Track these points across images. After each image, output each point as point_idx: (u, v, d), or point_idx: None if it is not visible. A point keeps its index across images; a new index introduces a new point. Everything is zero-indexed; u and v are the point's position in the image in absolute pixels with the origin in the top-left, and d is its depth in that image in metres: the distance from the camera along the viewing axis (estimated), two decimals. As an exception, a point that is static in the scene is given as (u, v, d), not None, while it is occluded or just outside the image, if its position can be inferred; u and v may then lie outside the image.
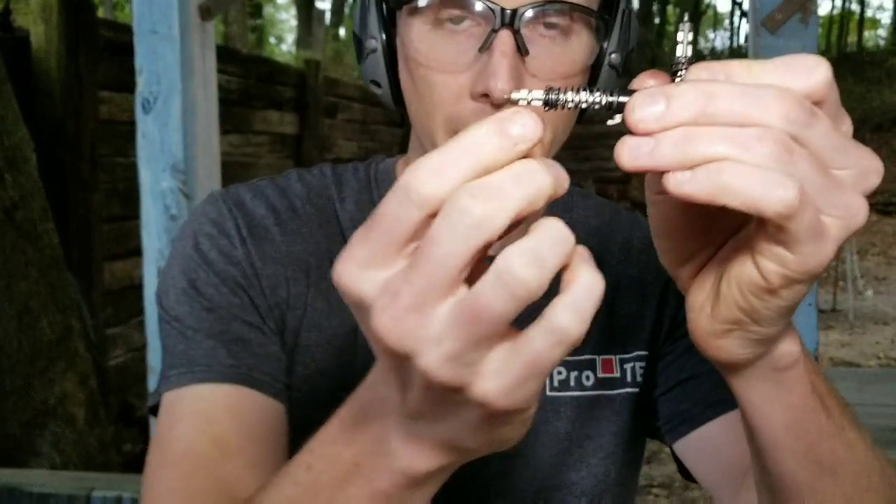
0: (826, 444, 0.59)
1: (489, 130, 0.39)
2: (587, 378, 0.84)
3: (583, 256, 0.41)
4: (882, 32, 30.86)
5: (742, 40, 25.69)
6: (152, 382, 1.75)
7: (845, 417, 0.61)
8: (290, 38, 30.81)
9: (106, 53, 4.37)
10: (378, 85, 0.80)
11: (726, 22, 32.78)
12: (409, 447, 0.46)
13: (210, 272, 0.77)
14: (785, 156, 0.40)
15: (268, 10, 27.08)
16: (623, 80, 0.80)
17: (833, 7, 28.14)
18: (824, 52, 22.07)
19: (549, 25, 0.70)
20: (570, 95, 0.45)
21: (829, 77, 0.42)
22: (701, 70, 0.43)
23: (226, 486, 0.69)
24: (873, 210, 13.87)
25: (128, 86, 4.38)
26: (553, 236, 0.38)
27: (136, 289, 4.78)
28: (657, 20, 25.70)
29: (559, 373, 0.83)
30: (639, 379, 0.86)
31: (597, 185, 10.72)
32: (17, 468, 2.86)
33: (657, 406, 0.87)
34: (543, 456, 0.82)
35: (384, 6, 0.76)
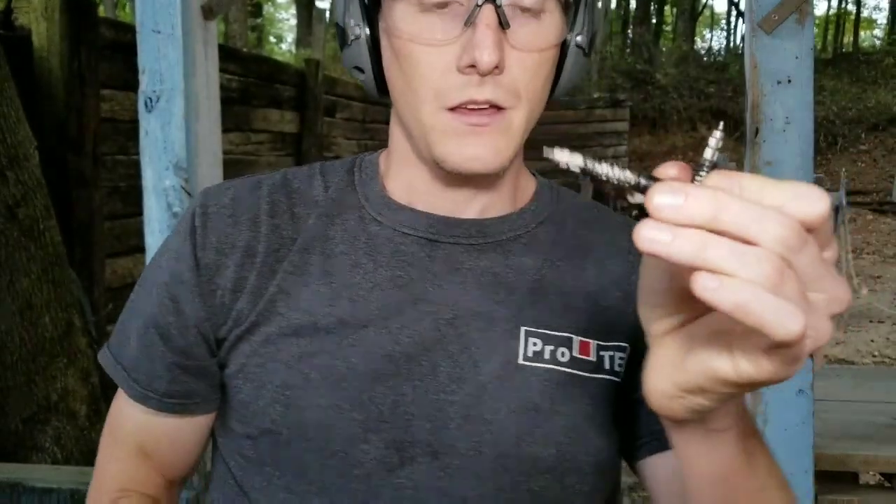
0: (746, 498, 0.64)
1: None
2: (562, 354, 0.84)
3: None
4: (878, 32, 30.85)
5: (738, 40, 25.71)
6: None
7: (770, 477, 0.67)
8: (290, 37, 30.76)
9: (107, 52, 4.38)
10: (361, 71, 0.84)
11: (723, 22, 32.79)
12: None
13: (162, 285, 0.86)
14: (778, 279, 0.43)
15: (268, 9, 27.04)
16: (587, 61, 0.86)
17: (829, 7, 28.15)
18: (820, 52, 22.10)
19: (524, 10, 0.76)
20: (604, 167, 0.49)
21: (828, 210, 0.45)
22: (720, 178, 0.47)
23: (143, 479, 0.92)
24: (868, 209, 13.90)
25: (129, 84, 4.41)
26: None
27: (137, 286, 4.80)
28: (654, 20, 25.70)
29: (534, 344, 0.83)
30: (617, 369, 0.86)
31: (595, 183, 10.73)
32: (18, 464, 2.88)
33: (632, 410, 0.87)
34: (506, 423, 0.81)
35: None
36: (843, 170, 9.72)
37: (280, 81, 7.19)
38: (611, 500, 0.92)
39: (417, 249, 0.85)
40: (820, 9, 27.63)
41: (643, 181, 0.48)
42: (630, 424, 0.87)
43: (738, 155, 13.53)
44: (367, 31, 0.81)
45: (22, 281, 3.03)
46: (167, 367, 0.87)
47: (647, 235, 0.44)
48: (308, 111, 7.59)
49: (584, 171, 0.49)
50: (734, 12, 26.98)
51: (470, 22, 0.74)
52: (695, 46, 25.31)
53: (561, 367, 0.83)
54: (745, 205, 0.44)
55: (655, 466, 0.85)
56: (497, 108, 0.76)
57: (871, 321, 7.75)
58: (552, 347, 0.83)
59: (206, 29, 1.85)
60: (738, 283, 0.43)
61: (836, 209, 7.92)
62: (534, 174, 0.96)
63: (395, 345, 0.82)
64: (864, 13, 30.52)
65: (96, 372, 3.37)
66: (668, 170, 0.49)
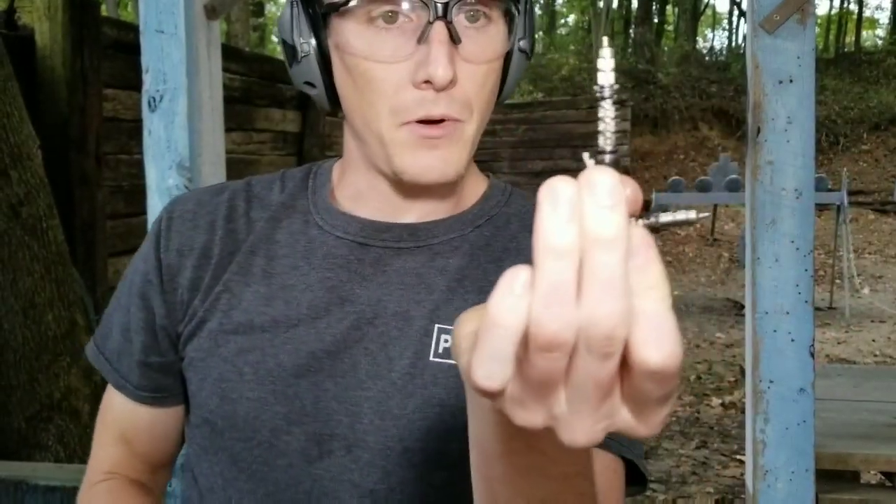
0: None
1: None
2: None
3: None
4: (880, 32, 30.85)
5: (740, 39, 25.69)
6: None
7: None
8: (290, 36, 30.75)
9: (110, 51, 4.39)
10: (313, 86, 0.87)
11: (725, 21, 32.77)
12: None
13: (132, 287, 0.94)
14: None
15: (270, 8, 27.05)
16: (528, 63, 0.89)
17: (831, 6, 28.13)
18: (822, 52, 22.08)
19: (470, 16, 0.78)
20: (667, 216, 0.45)
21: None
22: None
23: (124, 459, 0.98)
24: (870, 209, 13.89)
25: (132, 83, 4.42)
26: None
27: (139, 285, 4.81)
28: (656, 20, 25.68)
29: (445, 341, 0.85)
30: None
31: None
32: (22, 462, 2.89)
33: None
34: (414, 419, 0.84)
35: (312, 11, 0.82)
36: (845, 169, 9.74)
37: (282, 81, 7.20)
38: None
39: (347, 252, 0.89)
40: (822, 8, 27.64)
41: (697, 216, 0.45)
42: None
43: (739, 154, 13.54)
44: (317, 47, 0.83)
45: (25, 280, 3.03)
46: (136, 363, 0.94)
47: None
48: (310, 111, 7.60)
49: (653, 229, 0.43)
50: (736, 12, 26.96)
51: (423, 39, 0.76)
52: (696, 46, 25.30)
53: None
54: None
55: None
56: (451, 120, 0.79)
57: (872, 321, 7.75)
58: None
59: (209, 29, 1.86)
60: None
61: (838, 209, 7.92)
62: (488, 176, 0.98)
63: (319, 343, 0.86)
64: (866, 13, 30.49)
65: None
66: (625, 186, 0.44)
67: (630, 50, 20.96)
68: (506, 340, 0.38)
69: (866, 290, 9.16)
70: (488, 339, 0.39)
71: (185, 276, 0.90)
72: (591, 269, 0.37)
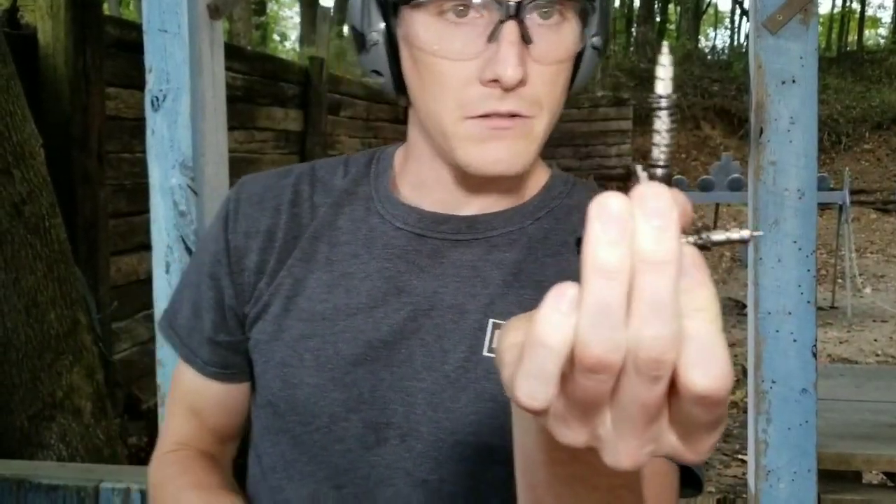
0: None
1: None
2: None
3: None
4: (883, 31, 30.79)
5: (742, 38, 25.65)
6: (160, 376, 1.78)
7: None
8: (294, 35, 30.77)
9: (113, 50, 4.39)
10: (380, 74, 0.87)
11: (727, 20, 32.72)
12: None
13: (203, 260, 0.96)
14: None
15: (272, 7, 27.03)
16: (601, 58, 0.89)
17: (834, 5, 28.09)
18: (824, 51, 22.04)
19: (544, 13, 0.77)
20: (716, 234, 0.42)
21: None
22: None
23: (193, 432, 1.01)
24: (872, 208, 13.88)
25: (134, 82, 4.42)
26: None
27: (143, 283, 4.82)
28: (658, 19, 25.67)
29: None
30: None
31: (598, 182, 10.75)
32: (24, 461, 2.89)
33: None
34: (466, 412, 0.85)
35: (388, 2, 0.82)
36: (847, 169, 9.72)
37: (284, 80, 7.20)
38: None
39: (405, 243, 0.90)
40: (824, 7, 27.59)
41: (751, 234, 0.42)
42: None
43: (741, 154, 13.52)
44: (385, 35, 0.83)
45: (27, 278, 3.04)
46: (206, 340, 0.97)
47: None
48: (312, 109, 7.59)
49: (701, 247, 0.41)
50: (738, 10, 26.93)
51: (494, 37, 0.74)
52: (699, 45, 25.27)
53: None
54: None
55: None
56: (519, 115, 0.78)
57: (874, 320, 7.75)
58: None
59: (212, 28, 1.86)
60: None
61: (840, 208, 7.91)
62: (550, 166, 0.97)
63: (376, 332, 0.87)
64: (869, 12, 30.45)
65: (101, 369, 3.38)
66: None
67: (632, 49, 20.93)
68: (550, 360, 0.37)
69: (868, 290, 9.15)
70: (532, 357, 0.38)
71: (252, 258, 0.92)
72: (640, 291, 0.36)
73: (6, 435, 3.08)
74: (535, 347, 0.38)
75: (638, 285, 0.36)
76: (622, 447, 0.40)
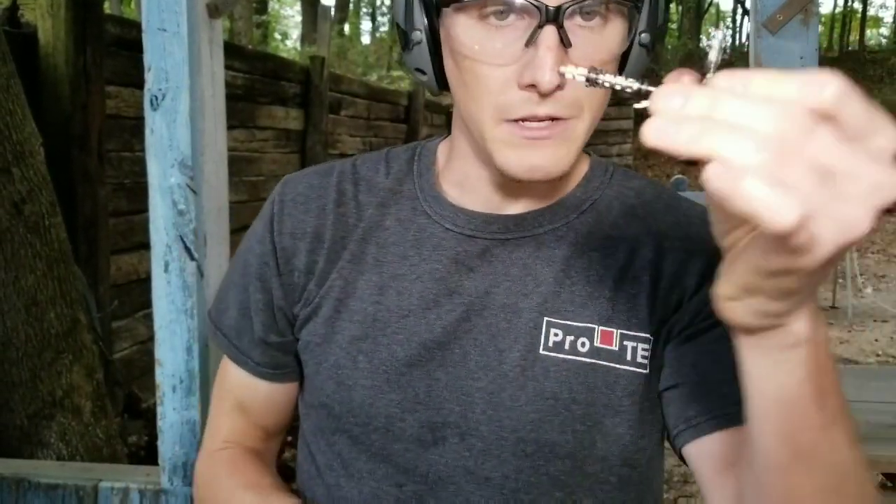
0: (809, 433, 0.60)
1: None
2: (583, 345, 0.87)
3: None
4: (884, 31, 30.79)
5: (744, 38, 25.63)
6: (159, 375, 1.78)
7: (839, 419, 0.62)
8: (295, 34, 30.78)
9: (113, 49, 4.39)
10: (423, 73, 0.86)
11: (728, 20, 32.69)
12: None
13: (249, 261, 0.97)
14: (777, 166, 0.42)
15: (272, 6, 27.04)
16: (650, 55, 0.86)
17: (836, 5, 28.08)
18: (826, 51, 22.03)
19: (586, 15, 0.76)
20: (608, 77, 0.51)
21: (841, 92, 0.44)
22: (727, 77, 0.46)
23: (242, 429, 1.03)
24: (875, 208, 13.86)
25: (134, 81, 4.42)
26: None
27: (142, 282, 4.82)
28: (660, 17, 25.61)
29: (555, 334, 0.87)
30: (641, 360, 0.87)
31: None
32: (24, 459, 2.89)
33: (662, 402, 0.88)
34: (526, 410, 0.86)
35: (431, 2, 0.81)
36: (849, 169, 9.67)
37: (285, 79, 7.19)
38: (651, 495, 0.94)
39: (455, 244, 0.90)
40: (826, 7, 27.59)
41: (648, 88, 0.49)
42: (664, 417, 0.89)
43: (742, 153, 13.54)
44: (428, 34, 0.83)
45: (27, 277, 3.04)
46: (257, 341, 0.98)
47: (655, 130, 0.44)
48: (313, 108, 7.59)
49: (591, 81, 0.51)
50: (740, 10, 26.91)
51: (531, 42, 0.74)
52: (700, 44, 25.23)
53: (580, 357, 0.86)
54: (742, 99, 0.43)
55: (694, 454, 0.85)
56: (558, 118, 0.78)
57: (875, 320, 7.74)
58: (572, 338, 0.87)
59: (211, 27, 1.86)
60: (731, 171, 0.42)
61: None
62: (588, 154, 0.97)
63: (429, 334, 0.88)
64: (871, 11, 30.44)
65: (101, 368, 3.38)
66: (678, 77, 0.50)
67: (633, 48, 20.88)
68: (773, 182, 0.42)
69: (869, 290, 9.15)
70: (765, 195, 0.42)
71: (301, 259, 0.93)
72: (745, 109, 0.43)
73: (6, 433, 3.08)
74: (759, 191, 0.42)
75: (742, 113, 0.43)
76: (850, 208, 0.44)
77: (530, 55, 0.74)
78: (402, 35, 0.86)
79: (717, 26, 32.66)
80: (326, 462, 0.94)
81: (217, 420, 1.05)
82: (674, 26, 28.08)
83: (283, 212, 0.95)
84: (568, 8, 0.73)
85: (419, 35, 0.83)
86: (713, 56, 0.50)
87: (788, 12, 1.54)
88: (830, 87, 0.43)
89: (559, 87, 0.74)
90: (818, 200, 0.43)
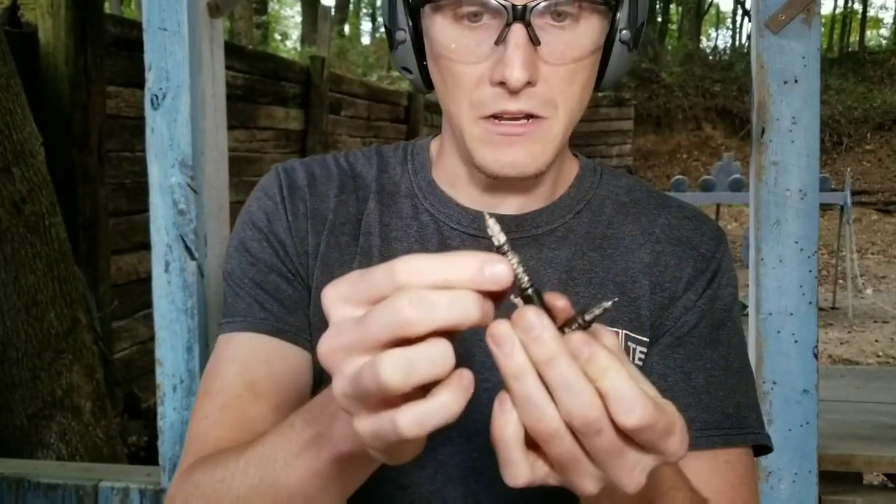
0: None
1: (475, 263, 0.49)
2: None
3: (461, 382, 0.50)
4: (884, 32, 30.78)
5: (744, 39, 25.65)
6: (159, 375, 1.77)
7: None
8: (295, 34, 30.78)
9: (113, 49, 4.39)
10: (409, 71, 0.88)
11: (728, 21, 32.70)
12: (338, 428, 0.61)
13: (255, 230, 0.90)
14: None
15: (273, 6, 27.04)
16: (633, 53, 0.86)
17: (836, 6, 28.09)
18: (826, 51, 22.03)
19: (557, 15, 0.77)
20: (514, 259, 0.54)
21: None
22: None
23: (250, 422, 0.83)
24: (873, 209, 13.87)
25: (135, 81, 4.41)
26: (432, 355, 0.48)
27: (142, 282, 4.82)
28: (659, 18, 25.66)
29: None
30: (637, 363, 0.88)
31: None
32: (23, 459, 2.89)
33: None
34: None
35: (410, 2, 0.83)
36: (849, 169, 9.71)
37: (285, 79, 7.20)
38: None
39: (459, 244, 0.91)
40: (826, 7, 27.60)
41: (526, 286, 0.54)
42: None
43: (742, 154, 13.48)
44: (412, 34, 0.84)
45: (28, 277, 3.03)
46: (280, 302, 0.89)
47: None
48: (313, 108, 7.59)
49: (499, 250, 0.54)
50: (740, 11, 26.93)
51: (501, 40, 0.76)
52: (700, 45, 25.26)
53: None
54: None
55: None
56: (533, 116, 0.78)
57: (875, 321, 7.74)
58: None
59: (212, 27, 1.86)
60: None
61: (842, 209, 7.90)
62: (576, 156, 0.98)
63: None
64: (871, 12, 30.45)
65: (101, 368, 3.38)
66: (557, 301, 0.55)
67: (633, 49, 20.87)
68: (512, 448, 0.52)
69: (869, 291, 9.15)
70: (501, 451, 0.52)
71: (308, 241, 0.91)
72: (549, 381, 0.49)
73: (6, 433, 3.08)
74: (499, 444, 0.52)
75: (545, 377, 0.49)
76: (622, 479, 0.50)
77: (500, 53, 0.76)
78: (388, 34, 0.88)
79: (716, 28, 32.59)
80: None
81: (203, 424, 0.85)
82: (674, 27, 28.09)
83: (294, 195, 0.92)
84: (535, 6, 0.75)
85: (403, 34, 0.85)
86: (498, 239, 0.54)
87: (790, 12, 1.54)
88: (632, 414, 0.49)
89: (530, 83, 0.76)
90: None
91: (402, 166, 0.96)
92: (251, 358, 0.86)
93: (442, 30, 0.79)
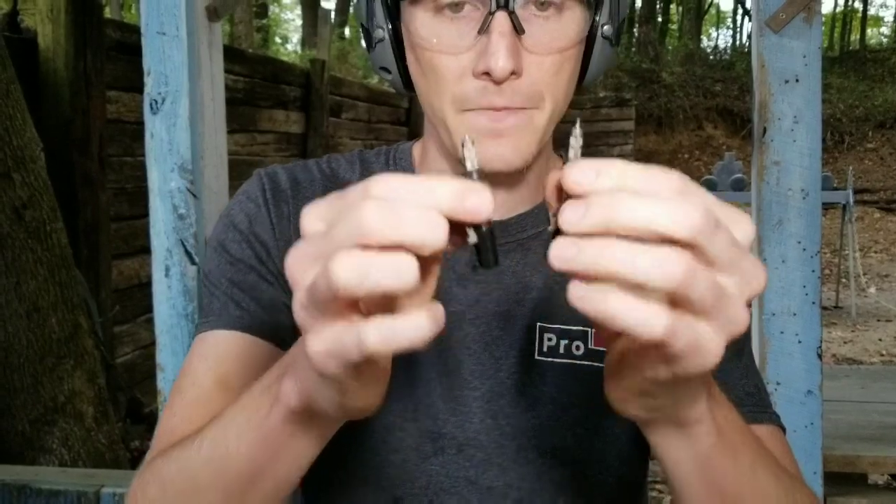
0: (732, 487, 0.64)
1: (454, 189, 0.45)
2: (577, 348, 0.87)
3: (434, 310, 0.46)
4: (885, 30, 30.77)
5: (745, 38, 25.64)
6: (161, 380, 1.77)
7: (759, 464, 0.66)
8: (296, 37, 30.80)
9: (113, 53, 4.39)
10: (388, 71, 0.86)
11: (729, 20, 32.71)
12: (287, 383, 0.57)
13: (235, 231, 0.88)
14: (685, 278, 0.43)
15: (273, 9, 27.06)
16: (616, 49, 0.86)
17: (836, 5, 28.08)
18: (827, 50, 22.02)
19: (541, 5, 0.76)
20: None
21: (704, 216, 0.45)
22: (603, 176, 0.46)
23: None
24: (875, 207, 13.85)
25: (135, 86, 4.41)
26: (392, 263, 0.43)
27: (144, 287, 4.81)
28: (660, 19, 25.66)
29: (549, 339, 0.86)
30: None
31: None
32: (26, 465, 2.88)
33: None
34: (526, 416, 0.85)
35: None
36: (851, 168, 9.70)
37: (285, 82, 7.20)
38: (640, 492, 0.94)
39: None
40: (826, 6, 27.58)
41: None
42: None
43: (744, 153, 13.46)
44: (390, 32, 0.83)
45: (29, 283, 3.03)
46: (258, 302, 0.86)
47: (556, 254, 0.45)
48: (313, 111, 7.59)
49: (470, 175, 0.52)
50: (740, 10, 26.93)
51: (484, 29, 0.74)
52: (701, 45, 25.25)
53: (576, 360, 0.86)
54: (645, 201, 0.43)
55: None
56: (518, 108, 0.77)
57: (878, 320, 7.73)
58: (566, 342, 0.87)
59: (210, 31, 1.85)
60: (599, 293, 0.44)
61: (844, 207, 7.89)
62: (561, 156, 0.97)
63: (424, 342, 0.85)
64: (871, 11, 30.45)
65: (103, 373, 3.38)
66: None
67: (634, 49, 20.92)
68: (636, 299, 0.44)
69: (872, 289, 9.13)
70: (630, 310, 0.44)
71: (290, 242, 0.85)
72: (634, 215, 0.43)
73: (7, 439, 3.07)
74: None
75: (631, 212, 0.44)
76: (736, 313, 0.46)
77: (483, 43, 0.74)
78: (365, 35, 0.86)
79: (717, 28, 32.63)
80: (317, 477, 0.85)
81: (171, 420, 0.81)
82: (674, 27, 28.08)
83: (278, 199, 0.90)
84: None
85: (381, 33, 0.83)
86: (572, 156, 0.51)
87: (791, 10, 1.53)
88: (697, 212, 0.44)
89: (514, 73, 0.74)
90: (711, 302, 0.44)
91: (384, 171, 0.94)
92: (224, 354, 0.83)
93: (422, 23, 0.78)
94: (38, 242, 3.07)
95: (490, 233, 0.49)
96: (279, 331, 0.85)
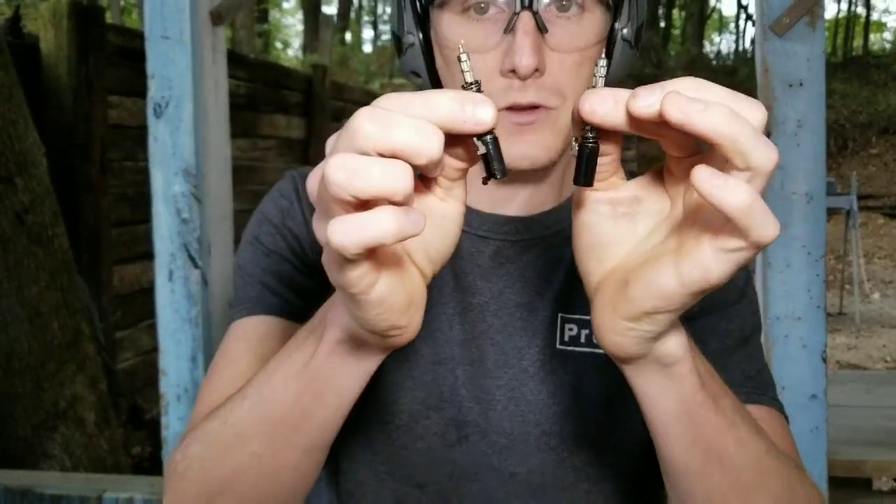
0: (713, 435, 0.65)
1: (452, 99, 0.47)
2: None
3: (407, 209, 0.47)
4: (888, 36, 30.79)
5: (747, 43, 25.66)
6: (163, 385, 1.77)
7: (739, 417, 0.67)
8: (297, 42, 30.84)
9: (115, 58, 4.39)
10: (418, 75, 0.89)
11: (732, 25, 32.73)
12: (330, 316, 0.61)
13: (269, 225, 0.92)
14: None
15: (274, 14, 27.10)
16: (635, 52, 0.88)
17: (839, 10, 28.10)
18: (830, 56, 22.03)
19: (563, 6, 0.80)
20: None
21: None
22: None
23: None
24: (879, 213, 13.83)
25: (137, 90, 4.41)
26: (384, 167, 0.46)
27: (145, 292, 4.81)
28: (662, 24, 25.68)
29: (570, 329, 0.89)
30: None
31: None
32: (27, 471, 2.88)
33: None
34: (548, 403, 0.88)
35: (417, 4, 0.85)
36: (855, 173, 9.70)
37: (287, 87, 7.20)
38: (659, 479, 0.94)
39: (469, 245, 0.91)
40: (829, 12, 27.61)
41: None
42: None
43: (746, 159, 13.44)
44: (420, 38, 0.85)
45: (30, 288, 3.03)
46: (294, 290, 0.90)
47: (676, 104, 0.48)
48: (315, 117, 7.59)
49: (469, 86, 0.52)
50: (743, 15, 26.95)
51: (509, 29, 0.78)
52: (703, 50, 25.28)
53: (596, 349, 0.88)
54: (714, 90, 0.50)
55: None
56: (542, 107, 0.80)
57: (882, 326, 7.71)
58: (587, 331, 0.89)
59: (214, 35, 1.85)
60: (717, 107, 0.46)
61: (848, 213, 7.88)
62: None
63: (450, 331, 0.89)
64: (874, 16, 30.47)
65: (104, 379, 3.37)
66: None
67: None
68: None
69: (876, 296, 9.12)
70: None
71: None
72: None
73: (9, 445, 3.07)
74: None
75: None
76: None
77: (509, 41, 0.78)
78: (396, 40, 0.89)
79: (719, 33, 32.71)
80: (343, 465, 0.93)
81: (211, 398, 0.81)
82: (677, 32, 28.10)
83: (305, 201, 0.93)
84: None
85: (411, 38, 0.86)
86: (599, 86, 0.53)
87: (795, 14, 1.53)
88: (762, 111, 0.50)
89: (538, 70, 0.77)
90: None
91: None
92: (263, 336, 0.87)
93: (449, 25, 0.81)
94: (40, 247, 3.06)
95: (495, 142, 0.50)
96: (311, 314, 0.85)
